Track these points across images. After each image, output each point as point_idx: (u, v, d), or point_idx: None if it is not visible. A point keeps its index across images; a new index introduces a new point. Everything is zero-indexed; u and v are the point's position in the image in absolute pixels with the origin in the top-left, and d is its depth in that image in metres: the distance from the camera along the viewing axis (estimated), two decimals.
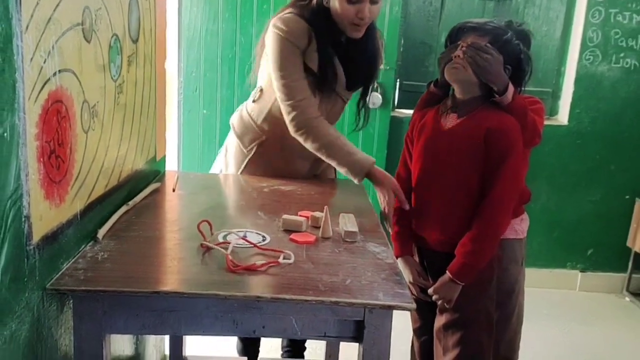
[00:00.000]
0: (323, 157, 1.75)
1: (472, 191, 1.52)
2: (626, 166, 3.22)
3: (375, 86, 1.96)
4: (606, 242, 3.31)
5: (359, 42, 1.78)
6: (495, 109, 1.50)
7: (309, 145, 1.73)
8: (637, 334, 2.86)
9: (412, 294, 1.73)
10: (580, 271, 3.35)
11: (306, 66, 1.73)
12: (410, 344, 1.82)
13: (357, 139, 2.99)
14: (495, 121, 1.49)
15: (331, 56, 1.77)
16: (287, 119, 1.73)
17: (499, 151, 1.48)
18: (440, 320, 1.62)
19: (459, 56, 1.47)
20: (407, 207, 1.64)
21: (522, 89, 1.56)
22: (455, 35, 1.54)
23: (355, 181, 1.72)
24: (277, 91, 1.74)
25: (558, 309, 3.07)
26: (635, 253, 3.18)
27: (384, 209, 1.65)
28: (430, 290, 1.57)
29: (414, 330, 1.77)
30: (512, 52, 1.50)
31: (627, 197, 3.24)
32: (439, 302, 1.57)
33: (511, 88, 1.48)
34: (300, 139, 1.73)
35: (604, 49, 3.08)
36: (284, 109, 1.73)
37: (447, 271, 1.52)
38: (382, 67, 1.97)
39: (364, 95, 1.94)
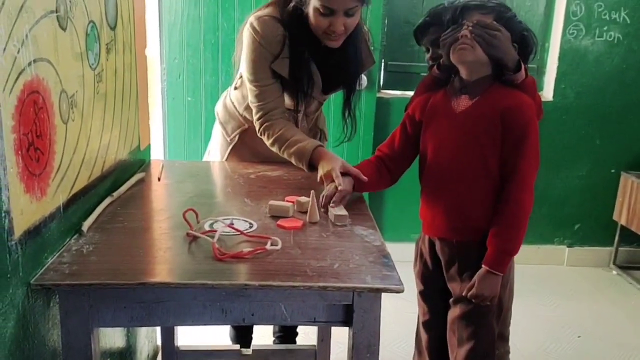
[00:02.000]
0: (279, 153, 1.75)
1: (491, 173, 1.49)
2: (611, 140, 3.24)
3: (360, 92, 1.89)
4: (593, 217, 3.34)
5: (338, 49, 1.73)
6: (507, 87, 1.48)
7: (269, 144, 1.77)
8: (624, 306, 2.91)
9: (422, 285, 1.72)
10: (568, 246, 3.39)
11: (275, 72, 1.71)
12: (414, 334, 1.81)
13: (343, 121, 2.97)
14: (510, 100, 1.46)
15: (307, 61, 1.73)
16: (254, 118, 1.77)
17: (518, 130, 1.45)
18: (455, 312, 1.59)
19: (465, 36, 1.42)
20: (365, 178, 1.56)
21: (528, 65, 1.53)
22: (458, 14, 1.49)
23: (305, 169, 1.70)
24: (248, 91, 1.76)
25: (546, 285, 3.10)
26: (622, 226, 3.22)
27: (322, 196, 1.47)
28: (470, 293, 1.50)
29: (423, 324, 1.74)
30: (516, 29, 1.47)
31: (613, 170, 3.27)
32: (483, 302, 1.50)
33: (523, 65, 1.46)
34: (264, 138, 1.77)
35: (587, 23, 3.08)
36: (253, 109, 1.77)
37: (482, 265, 1.47)
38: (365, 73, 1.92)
39: (347, 104, 1.88)
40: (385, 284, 1.08)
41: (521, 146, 1.45)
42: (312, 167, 1.68)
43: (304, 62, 1.72)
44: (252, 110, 1.78)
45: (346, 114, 1.90)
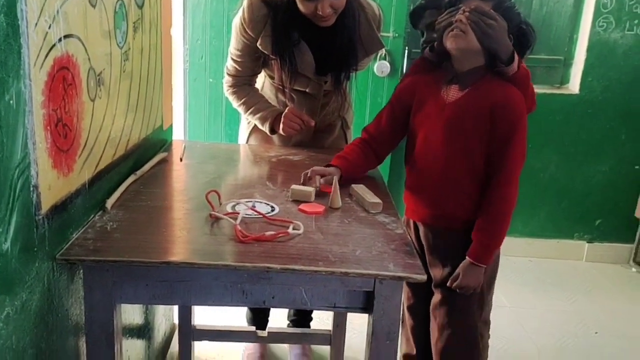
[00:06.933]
0: (244, 114, 1.93)
1: (477, 166, 1.48)
2: (636, 136, 3.17)
3: (354, 74, 1.92)
4: (614, 213, 3.29)
5: (329, 29, 1.72)
6: (499, 79, 1.45)
7: (235, 106, 1.94)
8: None
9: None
10: (587, 242, 3.34)
11: (256, 52, 1.81)
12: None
13: (364, 108, 2.96)
14: (501, 94, 1.44)
15: (292, 41, 1.76)
16: (224, 80, 1.94)
17: (507, 126, 1.44)
18: (436, 298, 1.60)
19: (461, 20, 1.39)
20: (312, 122, 1.78)
21: (524, 58, 1.50)
22: None
23: (266, 131, 1.87)
24: (228, 55, 1.91)
25: (564, 280, 3.07)
26: None
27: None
28: (455, 284, 1.51)
29: (408, 308, 1.74)
30: (514, 20, 1.44)
31: (637, 167, 3.21)
32: (467, 292, 1.52)
33: (516, 57, 1.42)
34: (231, 100, 1.94)
35: (617, 16, 3.00)
36: (226, 73, 1.93)
37: (467, 257, 1.49)
38: (367, 58, 1.92)
39: (336, 83, 1.86)
40: (407, 272, 1.08)
41: (509, 142, 1.44)
42: (273, 131, 1.87)
43: (287, 41, 1.75)
44: (229, 76, 1.90)
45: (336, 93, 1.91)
